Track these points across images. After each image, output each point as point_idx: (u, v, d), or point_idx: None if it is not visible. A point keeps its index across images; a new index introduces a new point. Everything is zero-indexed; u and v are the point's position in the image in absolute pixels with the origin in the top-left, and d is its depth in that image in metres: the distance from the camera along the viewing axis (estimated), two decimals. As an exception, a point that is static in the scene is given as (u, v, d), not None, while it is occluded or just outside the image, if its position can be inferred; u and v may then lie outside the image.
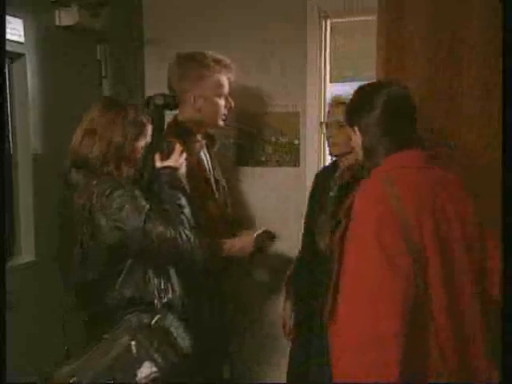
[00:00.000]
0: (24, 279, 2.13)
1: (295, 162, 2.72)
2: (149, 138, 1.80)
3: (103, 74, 2.59)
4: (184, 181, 1.83)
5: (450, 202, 1.48)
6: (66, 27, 2.35)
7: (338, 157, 2.25)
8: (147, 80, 2.88)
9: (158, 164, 1.85)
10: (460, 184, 1.56)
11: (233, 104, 2.23)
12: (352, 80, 3.10)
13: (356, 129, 1.58)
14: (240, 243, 2.14)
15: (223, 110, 2.20)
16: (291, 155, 2.72)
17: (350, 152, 2.18)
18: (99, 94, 2.56)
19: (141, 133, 1.77)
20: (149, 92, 2.73)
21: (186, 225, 1.72)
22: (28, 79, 2.19)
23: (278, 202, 2.68)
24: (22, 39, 2.14)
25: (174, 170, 1.83)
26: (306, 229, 2.33)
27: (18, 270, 2.12)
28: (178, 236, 1.67)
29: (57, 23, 2.34)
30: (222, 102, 2.18)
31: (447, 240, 1.45)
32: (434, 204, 1.45)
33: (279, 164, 2.72)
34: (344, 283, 1.42)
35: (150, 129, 1.80)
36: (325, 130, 2.28)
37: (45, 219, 2.17)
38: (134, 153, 1.75)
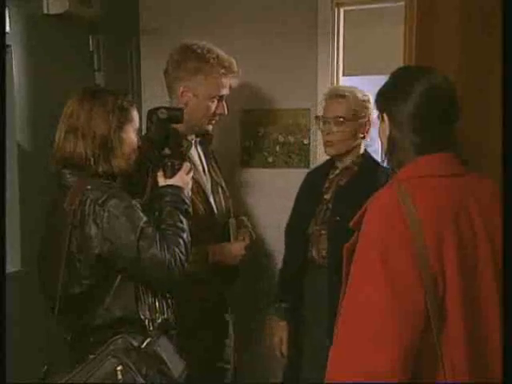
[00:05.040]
0: (9, 290, 1.94)
1: (305, 163, 2.63)
2: (137, 124, 1.70)
3: (96, 66, 2.52)
4: (189, 202, 1.72)
5: (480, 216, 1.30)
6: (55, 16, 2.26)
7: (335, 157, 2.12)
8: (143, 73, 2.82)
9: (162, 182, 1.75)
10: (495, 191, 1.37)
11: (226, 111, 2.11)
12: (367, 73, 2.94)
13: (385, 116, 1.40)
14: (229, 250, 2.06)
15: (212, 114, 2.06)
16: (300, 155, 2.63)
17: (349, 152, 2.08)
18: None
19: (125, 120, 1.65)
20: (145, 86, 2.74)
21: (183, 249, 1.61)
22: (14, 72, 2.10)
23: (285, 205, 2.51)
24: (7, 29, 2.03)
25: (180, 189, 1.72)
26: (292, 235, 2.19)
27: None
28: (172, 260, 1.57)
29: (45, 11, 2.25)
30: (212, 104, 2.05)
31: (473, 261, 1.26)
32: (461, 220, 1.26)
33: (287, 165, 2.64)
34: (343, 307, 1.26)
35: (135, 114, 1.69)
36: (321, 126, 2.12)
37: (32, 226, 2.07)
38: (122, 144, 1.64)
